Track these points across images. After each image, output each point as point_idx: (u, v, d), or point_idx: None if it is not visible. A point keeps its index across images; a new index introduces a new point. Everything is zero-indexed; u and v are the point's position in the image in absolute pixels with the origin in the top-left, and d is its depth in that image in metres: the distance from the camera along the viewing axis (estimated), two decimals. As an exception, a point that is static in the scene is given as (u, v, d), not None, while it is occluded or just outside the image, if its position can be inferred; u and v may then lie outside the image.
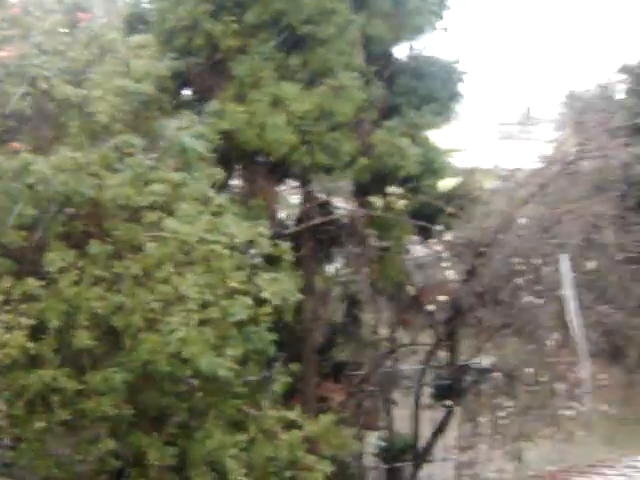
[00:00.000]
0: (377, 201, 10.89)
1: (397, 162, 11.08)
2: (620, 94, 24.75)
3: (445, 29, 12.61)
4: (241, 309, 7.84)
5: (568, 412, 11.35)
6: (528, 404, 11.78)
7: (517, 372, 11.85)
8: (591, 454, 12.80)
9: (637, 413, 15.59)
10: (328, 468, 8.45)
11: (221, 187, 9.86)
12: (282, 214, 12.66)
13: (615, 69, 24.90)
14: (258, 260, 9.48)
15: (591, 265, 11.93)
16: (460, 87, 12.87)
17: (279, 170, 11.34)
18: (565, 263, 10.82)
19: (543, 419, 11.82)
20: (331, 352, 13.30)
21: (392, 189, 10.89)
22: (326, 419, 8.98)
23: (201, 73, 11.44)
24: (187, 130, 9.27)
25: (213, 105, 10.57)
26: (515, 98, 29.47)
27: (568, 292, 10.62)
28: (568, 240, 11.97)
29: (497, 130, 22.98)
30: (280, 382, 8.99)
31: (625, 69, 25.83)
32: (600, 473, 8.21)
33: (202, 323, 7.70)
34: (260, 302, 8.17)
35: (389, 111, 11.91)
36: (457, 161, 13.03)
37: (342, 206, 12.52)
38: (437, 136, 12.28)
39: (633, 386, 13.78)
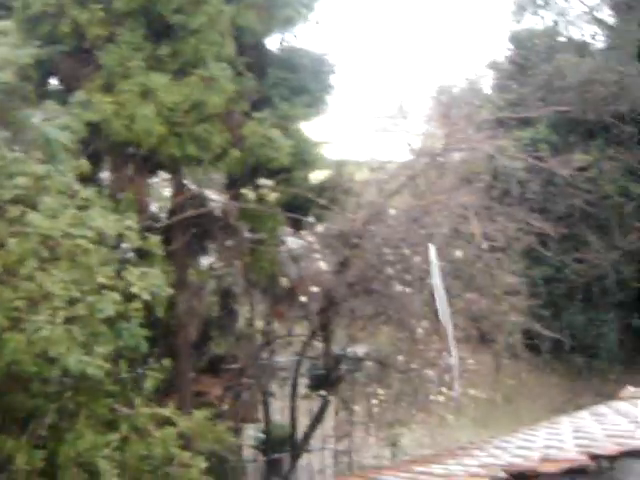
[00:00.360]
0: (249, 193, 10.87)
1: (269, 154, 11.05)
2: (487, 89, 25.69)
3: (316, 21, 12.70)
4: (109, 305, 7.61)
5: (439, 397, 11.68)
6: (401, 391, 12.06)
7: (389, 360, 12.12)
8: (462, 437, 13.25)
9: (505, 396, 16.22)
10: (203, 464, 8.35)
11: (89, 180, 9.56)
12: (154, 207, 12.42)
13: (483, 65, 25.82)
14: (129, 254, 9.30)
15: (458, 254, 12.31)
16: (331, 79, 12.97)
17: (149, 162, 11.07)
18: (433, 253, 11.08)
19: (415, 405, 12.13)
20: (207, 346, 13.19)
21: (264, 181, 10.90)
22: (201, 414, 8.87)
23: (67, 62, 11.05)
24: (52, 121, 8.97)
25: (80, 95, 10.27)
26: (388, 92, 30.06)
27: (436, 281, 10.88)
28: (436, 230, 12.29)
29: (370, 123, 23.40)
30: (153, 379, 8.81)
31: (492, 65, 26.80)
32: (471, 455, 8.48)
33: (69, 321, 7.43)
34: (130, 298, 8.00)
35: (260, 103, 11.86)
36: (329, 153, 13.17)
37: (215, 199, 12.41)
38: (309, 128, 12.36)
39: (500, 370, 14.31)
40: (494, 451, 8.16)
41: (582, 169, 19.22)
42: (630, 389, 9.67)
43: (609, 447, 5.49)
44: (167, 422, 8.27)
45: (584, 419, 8.71)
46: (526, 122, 22.11)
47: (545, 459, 5.73)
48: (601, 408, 9.22)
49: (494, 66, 26.95)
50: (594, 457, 5.22)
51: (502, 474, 5.68)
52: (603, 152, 22.45)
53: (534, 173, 18.73)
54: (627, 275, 22.20)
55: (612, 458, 5.13)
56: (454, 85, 22.47)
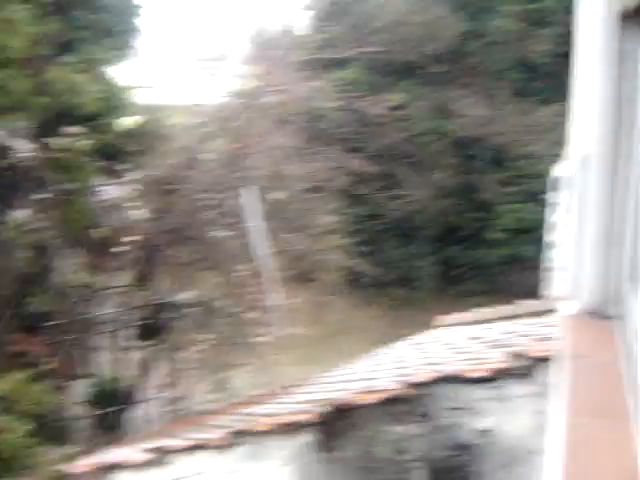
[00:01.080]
0: (58, 142, 10.38)
1: (75, 100, 10.58)
2: (303, 31, 25.65)
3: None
4: None
5: (264, 338, 11.79)
6: (226, 335, 12.07)
7: (213, 305, 12.07)
8: (290, 375, 13.47)
9: (330, 332, 16.61)
10: (25, 426, 8.07)
11: None
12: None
13: (299, 6, 25.72)
14: None
15: (277, 196, 12.38)
16: (138, 21, 12.55)
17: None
18: (251, 195, 11.06)
19: (242, 347, 12.19)
20: (25, 304, 12.63)
21: (73, 129, 10.44)
22: (18, 376, 8.54)
23: None
24: None
25: None
26: (204, 34, 29.36)
27: (255, 223, 10.89)
28: (254, 173, 12.27)
29: (185, 66, 22.86)
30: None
31: (308, 6, 26.75)
32: (297, 392, 8.58)
33: None
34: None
35: (65, 46, 11.30)
36: (142, 98, 12.76)
37: (21, 149, 11.75)
38: (119, 73, 11.93)
39: (323, 307, 14.63)
40: (319, 386, 8.30)
41: (395, 108, 19.73)
42: (444, 317, 10.07)
43: (424, 374, 5.65)
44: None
45: (403, 349, 9.00)
46: (341, 63, 22.32)
47: (365, 390, 5.83)
48: (418, 337, 9.56)
49: (310, 7, 26.96)
50: (411, 385, 5.36)
51: (325, 408, 5.75)
52: (414, 92, 23.11)
53: (349, 113, 19.02)
54: (440, 210, 23.17)
55: (426, 385, 5.29)
56: (270, 27, 22.30)
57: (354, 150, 19.38)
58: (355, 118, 19.99)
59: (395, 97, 20.34)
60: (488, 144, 22.60)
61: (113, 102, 11.29)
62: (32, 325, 12.58)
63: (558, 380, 2.77)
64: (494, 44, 23.31)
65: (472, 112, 22.05)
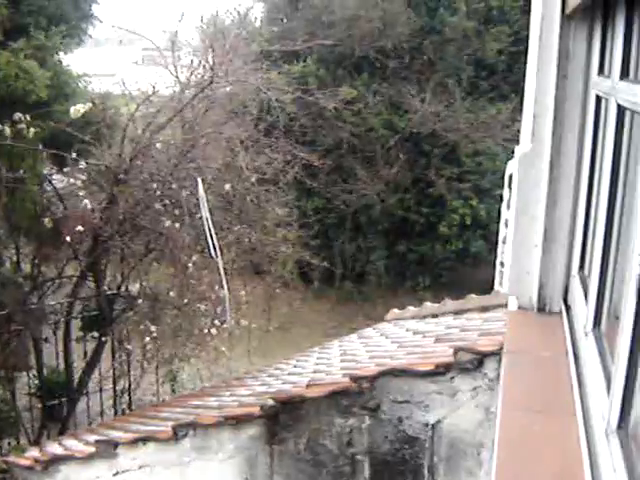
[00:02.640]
0: (6, 129, 10.18)
1: (25, 86, 10.39)
2: (257, 22, 25.56)
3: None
4: None
5: (213, 330, 11.76)
6: (176, 326, 12.01)
7: (163, 296, 11.99)
8: (239, 368, 13.46)
9: (280, 325, 16.62)
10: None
11: None
12: None
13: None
14: None
15: (228, 187, 12.32)
16: (93, 9, 12.37)
17: None
18: (201, 186, 11.00)
19: (191, 339, 12.14)
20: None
21: (21, 115, 10.24)
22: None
23: None
24: None
25: None
26: (156, 22, 29.11)
27: (205, 214, 10.83)
28: (205, 164, 12.20)
29: (139, 54, 22.63)
30: None
31: (264, -3, 26.64)
32: (245, 385, 8.59)
33: None
34: None
35: (15, 32, 11.08)
36: (93, 86, 12.60)
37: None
38: (70, 59, 11.73)
39: (273, 299, 14.62)
40: (267, 379, 8.32)
41: (349, 102, 19.78)
42: (395, 311, 10.18)
43: (370, 368, 5.70)
44: None
45: (352, 342, 9.06)
46: (295, 56, 22.31)
47: (311, 383, 5.86)
48: (367, 331, 9.64)
49: (264, -1, 26.86)
50: (356, 379, 5.40)
51: (271, 402, 5.77)
52: (369, 86, 23.20)
53: (303, 106, 19.03)
54: (392, 204, 23.30)
55: (372, 378, 5.33)
56: (223, 16, 22.21)
57: (308, 143, 19.42)
58: (309, 111, 20.02)
59: (349, 91, 20.41)
60: (442, 140, 22.77)
61: (64, 89, 11.13)
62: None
63: (501, 374, 2.81)
64: (450, 41, 23.48)
65: (427, 108, 22.18)
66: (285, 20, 25.07)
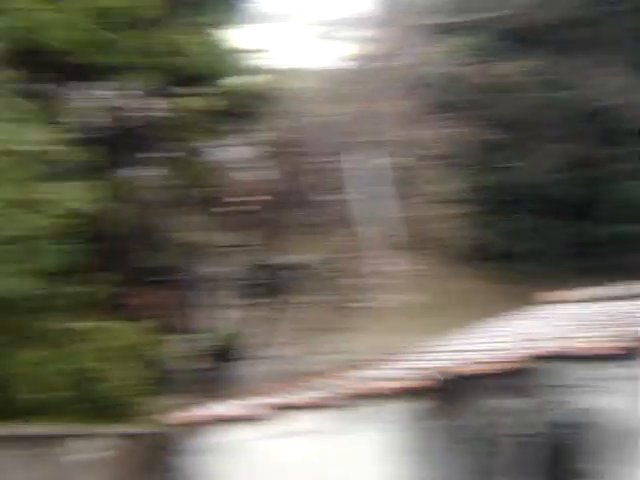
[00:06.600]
0: (179, 102, 10.54)
1: (197, 61, 10.66)
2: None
3: None
4: (14, 223, 7.31)
5: (378, 303, 11.74)
6: (339, 298, 12.09)
7: (325, 268, 12.08)
8: (406, 342, 13.37)
9: (452, 301, 16.42)
10: (134, 375, 8.33)
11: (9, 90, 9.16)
12: (81, 118, 11.98)
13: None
14: (54, 168, 8.95)
15: (402, 160, 12.20)
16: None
17: (70, 71, 10.63)
18: (372, 160, 10.97)
19: (354, 312, 12.18)
20: (145, 259, 13.02)
21: (194, 89, 10.56)
22: (139, 326, 8.82)
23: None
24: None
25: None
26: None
27: (377, 188, 10.80)
28: (378, 138, 12.15)
29: (311, 30, 22.87)
30: (82, 293, 8.65)
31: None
32: (410, 359, 8.57)
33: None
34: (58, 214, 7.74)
35: (184, 8, 11.36)
36: (264, 60, 12.78)
37: (145, 108, 12.00)
38: (240, 34, 11.97)
39: (447, 276, 14.44)
40: (433, 355, 8.25)
41: (528, 76, 19.13)
42: (562, 293, 9.83)
43: (535, 349, 5.61)
44: (93, 336, 8.19)
45: (516, 323, 8.84)
46: (473, 28, 21.79)
47: (479, 361, 5.92)
48: (533, 312, 9.36)
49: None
50: (522, 359, 5.35)
51: (438, 376, 5.88)
52: (549, 59, 22.28)
53: (478, 79, 18.56)
54: (569, 182, 22.37)
55: (537, 359, 5.23)
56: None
57: (484, 118, 18.92)
58: (483, 85, 19.49)
59: (526, 64, 19.70)
60: (626, 114, 21.52)
61: (227, 64, 11.29)
62: (153, 279, 12.95)
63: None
64: (636, 10, 22.12)
65: (609, 80, 21.00)
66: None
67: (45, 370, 7.72)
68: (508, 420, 5.47)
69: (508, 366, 5.51)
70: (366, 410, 6.29)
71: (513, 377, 5.45)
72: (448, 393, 5.78)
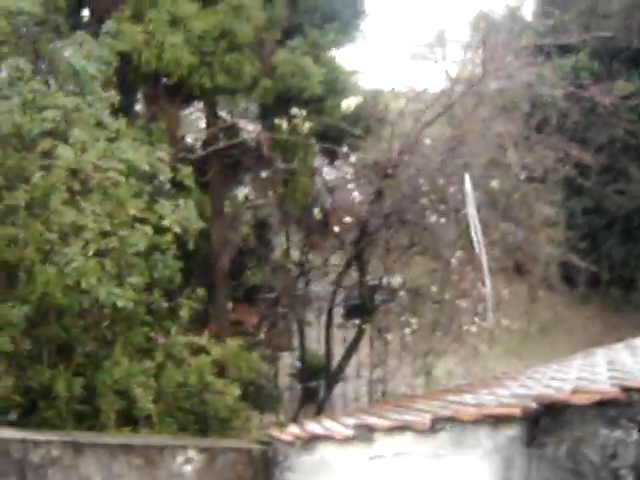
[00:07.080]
0: (282, 123, 10.77)
1: (300, 83, 10.82)
2: (528, 15, 24.93)
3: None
4: (141, 239, 7.64)
5: (473, 328, 11.66)
6: (435, 321, 12.06)
7: (424, 290, 12.09)
8: (496, 367, 13.25)
9: (540, 327, 16.12)
10: (237, 391, 8.49)
11: (121, 111, 9.51)
12: (187, 138, 12.39)
13: (524, -10, 24.95)
14: (165, 187, 9.28)
15: (495, 184, 12.12)
16: (364, 5, 12.67)
17: (181, 92, 11.00)
18: (469, 183, 10.92)
19: (449, 335, 12.13)
20: (243, 276, 13.30)
21: (297, 111, 10.77)
22: (235, 343, 8.99)
23: (97, -7, 10.97)
24: (82, 52, 8.85)
25: (110, 25, 10.13)
26: (425, 18, 29.36)
27: (472, 211, 10.74)
28: (473, 160, 12.09)
29: (407, 51, 22.93)
30: (188, 308, 8.89)
31: (534, -9, 25.92)
32: (503, 385, 8.43)
33: (101, 254, 7.48)
34: (164, 230, 8.02)
35: (291, 31, 11.61)
36: (364, 82, 12.95)
37: (248, 129, 12.32)
38: (342, 56, 12.13)
39: (535, 301, 14.17)
40: (526, 382, 8.11)
41: (624, 98, 18.67)
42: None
43: None
44: (202, 351, 8.41)
45: (619, 352, 8.62)
46: (567, 49, 21.37)
47: (576, 390, 5.67)
48: (637, 341, 9.12)
49: (535, -8, 26.10)
50: (626, 389, 5.14)
51: (533, 404, 5.66)
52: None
53: (575, 102, 18.24)
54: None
55: None
56: (493, 11, 21.88)
57: (579, 140, 18.56)
58: (581, 107, 19.14)
59: (625, 86, 19.25)
60: None
61: (336, 85, 11.45)
62: (248, 297, 13.22)
63: None
64: None
65: None
66: (557, 13, 24.16)
67: (166, 381, 7.98)
68: (613, 452, 5.29)
69: (613, 395, 5.32)
70: (463, 435, 6.17)
71: (618, 407, 5.26)
72: (544, 421, 5.62)
